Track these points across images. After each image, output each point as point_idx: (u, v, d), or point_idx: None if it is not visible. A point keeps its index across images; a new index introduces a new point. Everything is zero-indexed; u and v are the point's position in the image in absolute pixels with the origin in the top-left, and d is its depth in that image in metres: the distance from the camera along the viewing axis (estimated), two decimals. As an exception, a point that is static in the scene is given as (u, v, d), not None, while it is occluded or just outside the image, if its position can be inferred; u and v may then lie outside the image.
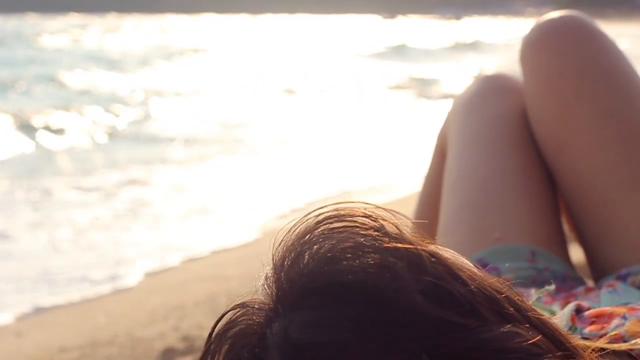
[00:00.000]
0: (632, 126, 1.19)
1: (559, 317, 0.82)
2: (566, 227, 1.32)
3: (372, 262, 0.53)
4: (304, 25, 47.09)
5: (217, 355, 0.57)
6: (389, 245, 0.54)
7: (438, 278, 0.53)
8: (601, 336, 0.76)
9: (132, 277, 3.42)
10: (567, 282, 1.15)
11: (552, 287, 0.90)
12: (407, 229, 0.57)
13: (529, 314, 0.56)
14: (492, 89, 1.38)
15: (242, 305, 0.58)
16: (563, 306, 0.96)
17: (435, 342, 0.51)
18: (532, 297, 0.88)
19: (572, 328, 0.79)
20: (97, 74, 15.06)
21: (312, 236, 0.56)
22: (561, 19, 1.28)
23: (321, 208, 0.59)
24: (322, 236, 0.56)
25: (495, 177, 1.27)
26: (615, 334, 0.74)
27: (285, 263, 0.56)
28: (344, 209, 0.58)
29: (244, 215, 4.57)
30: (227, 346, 0.57)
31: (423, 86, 13.23)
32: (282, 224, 0.60)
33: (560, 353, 0.54)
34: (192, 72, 15.98)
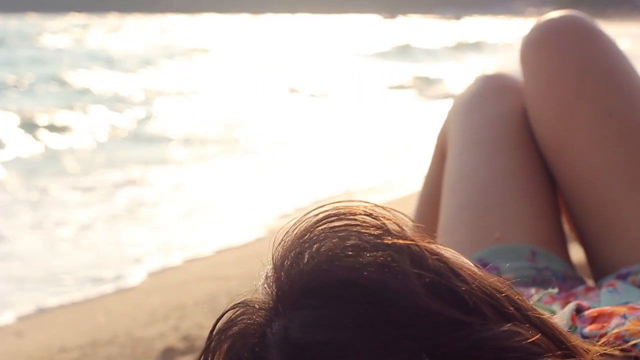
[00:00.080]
0: (632, 126, 1.19)
1: (559, 316, 0.82)
2: (566, 227, 1.32)
3: (373, 260, 0.53)
4: (305, 25, 47.09)
5: (217, 354, 0.57)
6: (390, 242, 0.54)
7: (440, 275, 0.53)
8: (601, 335, 0.76)
9: (132, 277, 3.42)
10: (567, 282, 1.15)
11: (556, 290, 0.90)
12: (408, 227, 0.57)
13: (529, 313, 0.56)
14: (492, 88, 1.38)
15: (243, 304, 0.58)
16: (563, 306, 0.96)
17: (435, 341, 0.51)
18: (533, 298, 0.88)
19: (572, 327, 0.79)
20: (99, 73, 15.07)
21: (312, 235, 0.56)
22: (561, 19, 1.28)
23: (321, 207, 0.59)
24: (322, 235, 0.56)
25: (495, 177, 1.27)
26: (615, 334, 0.74)
27: (286, 262, 0.56)
28: (344, 208, 0.58)
29: (245, 215, 4.57)
30: (227, 345, 0.57)
31: (426, 86, 13.23)
32: (283, 224, 0.60)
33: (560, 352, 0.54)
34: (194, 72, 15.98)
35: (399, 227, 0.57)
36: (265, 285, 0.57)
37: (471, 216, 1.24)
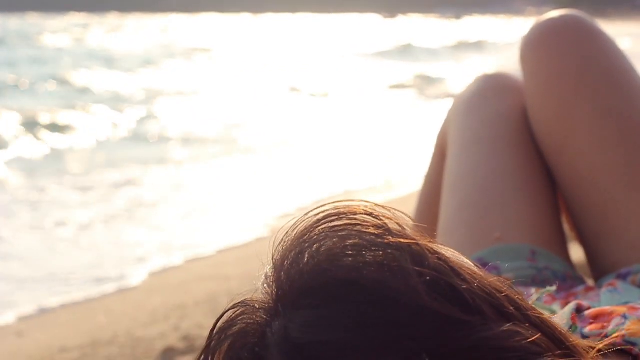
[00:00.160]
0: (632, 125, 1.19)
1: (559, 316, 0.82)
2: (566, 227, 1.32)
3: (373, 259, 0.53)
4: (305, 25, 47.10)
5: (217, 354, 0.57)
6: (391, 241, 0.54)
7: (441, 274, 0.53)
8: (601, 335, 0.76)
9: (132, 277, 3.42)
10: (568, 282, 1.15)
11: (554, 287, 0.90)
12: (409, 227, 0.57)
13: (529, 312, 0.56)
14: (492, 88, 1.38)
15: (243, 304, 0.58)
16: (563, 305, 0.96)
17: (435, 341, 0.51)
18: (533, 298, 0.88)
19: (573, 327, 0.79)
20: (99, 73, 15.07)
21: (312, 235, 0.56)
22: (561, 19, 1.28)
23: (321, 207, 0.59)
24: (322, 235, 0.56)
25: (495, 176, 1.27)
26: (615, 334, 0.74)
27: (286, 262, 0.56)
28: (344, 207, 0.58)
29: (245, 215, 4.57)
30: (227, 345, 0.57)
31: (426, 85, 13.21)
32: (283, 224, 0.60)
33: (559, 352, 0.54)
34: (195, 72, 15.98)
35: (400, 226, 0.57)
36: (265, 285, 0.57)
37: (471, 216, 1.24)
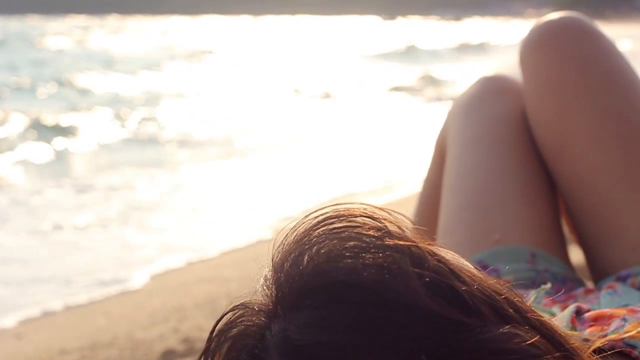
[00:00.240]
0: (631, 127, 1.19)
1: (559, 318, 0.82)
2: (566, 229, 1.32)
3: (373, 261, 0.53)
4: (305, 27, 47.13)
5: (216, 356, 0.57)
6: (391, 243, 0.54)
7: (441, 275, 0.53)
8: (601, 338, 0.76)
9: (132, 280, 3.42)
10: (567, 284, 1.15)
11: (548, 286, 0.90)
12: (409, 229, 0.57)
13: (529, 315, 0.56)
14: (491, 90, 1.38)
15: (242, 306, 0.58)
16: (563, 308, 0.96)
17: (435, 342, 0.51)
18: (530, 298, 0.88)
19: (572, 330, 0.79)
20: (101, 75, 15.08)
21: (312, 237, 0.56)
22: (560, 20, 1.28)
23: (321, 209, 0.59)
24: (322, 237, 0.56)
25: (495, 178, 1.27)
26: (615, 336, 0.74)
27: (285, 264, 0.56)
28: (344, 210, 0.58)
29: (246, 217, 4.57)
30: (226, 347, 0.57)
31: (430, 87, 13.21)
32: (283, 226, 0.60)
33: (559, 354, 0.54)
34: (198, 74, 15.98)
35: (400, 228, 0.57)
36: (265, 287, 0.57)
37: (471, 217, 1.24)
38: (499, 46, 24.72)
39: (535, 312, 0.57)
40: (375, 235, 0.55)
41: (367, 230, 0.55)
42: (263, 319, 0.56)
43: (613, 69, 1.23)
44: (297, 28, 44.66)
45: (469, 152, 1.32)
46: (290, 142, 7.77)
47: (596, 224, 1.20)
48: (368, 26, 47.68)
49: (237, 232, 4.20)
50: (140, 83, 14.12)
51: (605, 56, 1.24)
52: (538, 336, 0.53)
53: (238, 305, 0.58)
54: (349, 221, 0.57)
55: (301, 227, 0.58)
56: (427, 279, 0.53)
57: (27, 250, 3.98)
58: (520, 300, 0.57)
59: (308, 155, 6.87)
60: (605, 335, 0.75)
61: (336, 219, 0.57)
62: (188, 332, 2.40)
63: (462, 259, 0.58)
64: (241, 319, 0.57)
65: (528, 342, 0.52)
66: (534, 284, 1.12)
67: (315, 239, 0.56)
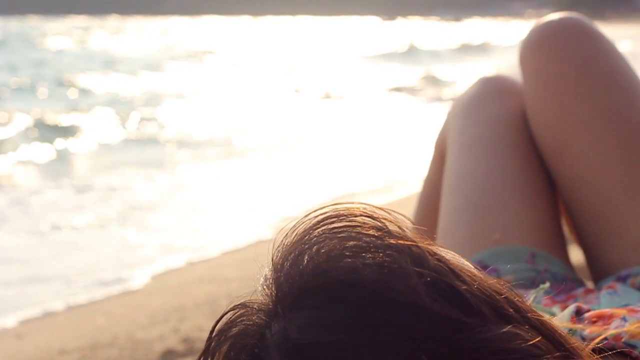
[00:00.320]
0: (631, 127, 1.19)
1: (559, 318, 0.82)
2: (566, 229, 1.32)
3: (373, 260, 0.53)
4: (306, 27, 47.14)
5: (216, 356, 0.57)
6: (391, 242, 0.54)
7: (441, 275, 0.53)
8: (601, 338, 0.76)
9: (132, 280, 3.42)
10: (567, 284, 1.15)
11: (547, 285, 0.90)
12: (409, 229, 0.57)
13: (529, 315, 0.56)
14: (491, 90, 1.38)
15: (242, 305, 0.58)
16: (563, 308, 0.96)
17: (435, 342, 0.51)
18: (530, 298, 0.88)
19: (572, 330, 0.79)
20: (103, 76, 15.08)
21: (312, 236, 0.56)
22: (560, 21, 1.28)
23: (321, 208, 0.59)
24: (322, 236, 0.56)
25: (494, 178, 1.27)
26: (615, 336, 0.74)
27: (285, 264, 0.56)
28: (344, 209, 0.58)
29: (246, 218, 4.57)
30: (226, 346, 0.57)
31: (433, 88, 13.20)
32: (283, 226, 0.60)
33: (559, 354, 0.54)
34: (199, 75, 15.98)
35: (400, 228, 0.57)
36: (265, 287, 0.57)
37: (471, 217, 1.24)
38: (499, 46, 24.72)
39: (535, 312, 0.57)
40: (376, 234, 0.55)
41: (367, 230, 0.55)
42: (263, 318, 0.56)
43: (613, 69, 1.23)
44: (297, 28, 44.67)
45: (468, 152, 1.32)
46: (291, 142, 7.77)
47: (596, 224, 1.20)
48: (368, 27, 47.71)
49: (238, 232, 4.20)
50: (140, 83, 14.12)
51: (605, 57, 1.24)
52: (539, 336, 0.53)
53: (238, 304, 0.58)
54: (349, 221, 0.57)
55: (301, 226, 0.58)
56: (428, 279, 0.53)
57: (28, 250, 3.98)
58: (520, 300, 0.57)
59: (308, 155, 6.87)
60: (605, 336, 0.75)
61: (336, 219, 0.57)
62: (188, 332, 2.40)
63: (462, 259, 0.58)
64: (241, 319, 0.57)
65: (528, 342, 0.52)
66: (533, 284, 1.12)
67: (315, 238, 0.56)
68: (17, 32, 33.37)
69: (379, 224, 0.56)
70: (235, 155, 7.07)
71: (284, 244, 0.58)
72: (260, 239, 3.97)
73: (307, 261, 0.55)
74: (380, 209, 0.58)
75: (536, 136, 1.30)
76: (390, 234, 0.55)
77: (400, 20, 62.78)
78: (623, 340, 0.74)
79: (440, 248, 0.57)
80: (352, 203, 0.59)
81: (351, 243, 0.55)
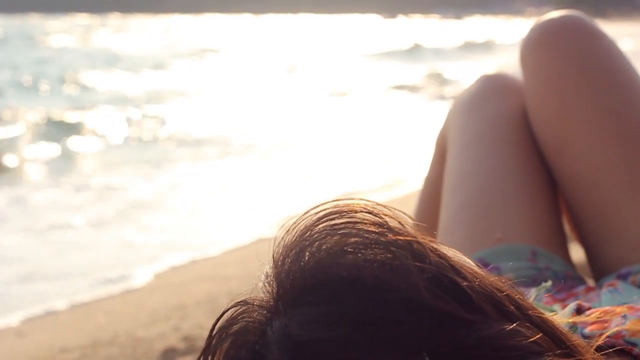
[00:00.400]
0: (632, 126, 1.19)
1: (560, 316, 0.82)
2: (567, 227, 1.32)
3: (374, 257, 0.53)
4: (307, 25, 47.12)
5: (217, 353, 0.57)
6: (392, 239, 0.54)
7: (443, 271, 0.53)
8: (601, 336, 0.76)
9: (133, 278, 3.42)
10: (568, 282, 1.15)
11: (549, 283, 0.90)
12: (409, 225, 0.57)
13: (530, 312, 0.56)
14: (492, 89, 1.38)
15: (243, 302, 0.58)
16: (564, 306, 0.96)
17: (436, 340, 0.51)
18: (531, 297, 0.88)
19: (573, 327, 0.79)
20: (105, 73, 15.08)
21: (313, 233, 0.56)
22: (561, 19, 1.28)
23: (321, 205, 0.59)
24: (323, 233, 0.56)
25: (495, 176, 1.27)
26: (615, 334, 0.74)
27: (286, 260, 0.56)
28: (344, 206, 0.58)
29: (247, 216, 4.57)
30: (227, 343, 0.57)
31: (438, 86, 13.17)
32: (284, 224, 0.60)
33: (560, 351, 0.54)
34: (204, 73, 15.97)
35: (400, 224, 0.57)
36: (266, 284, 0.57)
37: (472, 216, 1.24)
38: (503, 45, 24.69)
39: (536, 310, 0.57)
40: (376, 231, 0.55)
41: (368, 226, 0.55)
42: (264, 315, 0.56)
43: (614, 67, 1.23)
44: (299, 26, 44.65)
45: (469, 150, 1.32)
46: (294, 140, 7.76)
47: (597, 222, 1.20)
48: (369, 25, 47.66)
49: (239, 230, 4.20)
50: (143, 81, 14.12)
51: (606, 55, 1.24)
52: (540, 333, 0.53)
53: (239, 301, 0.58)
54: (350, 217, 0.57)
55: (302, 223, 0.58)
56: (429, 275, 0.53)
57: (29, 249, 3.98)
58: (521, 297, 0.57)
59: (311, 153, 6.86)
60: (606, 334, 0.75)
61: (337, 215, 0.57)
62: (189, 330, 2.40)
63: (463, 256, 0.58)
64: (242, 316, 0.57)
65: (530, 339, 0.52)
66: (535, 282, 1.12)
67: (316, 235, 0.56)
68: (18, 30, 33.36)
69: (379, 220, 0.56)
70: (237, 154, 7.07)
71: (285, 241, 0.58)
72: (261, 237, 3.97)
73: (308, 258, 0.55)
74: (380, 205, 0.58)
75: (537, 134, 1.30)
76: (391, 230, 0.55)
77: (401, 18, 62.76)
78: (624, 338, 0.74)
79: (441, 245, 0.57)
80: (353, 199, 0.59)
81: (352, 239, 0.55)
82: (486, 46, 24.46)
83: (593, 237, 1.22)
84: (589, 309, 0.84)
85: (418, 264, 0.53)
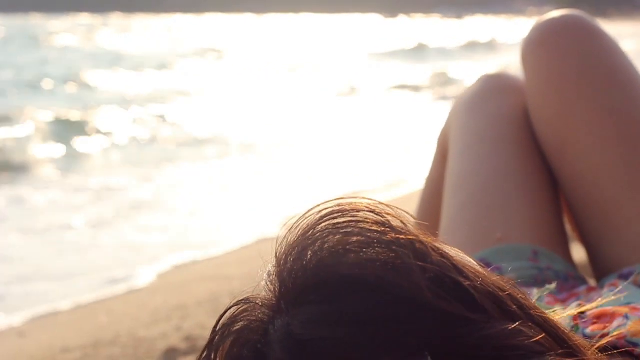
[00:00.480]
0: (633, 124, 1.19)
1: (561, 316, 0.82)
2: (568, 226, 1.32)
3: (376, 256, 0.53)
4: (309, 25, 47.11)
5: (219, 351, 0.57)
6: (394, 238, 0.54)
7: (445, 271, 0.53)
8: (603, 336, 0.76)
9: (135, 278, 3.42)
10: (569, 282, 1.15)
11: (553, 285, 0.90)
12: (411, 224, 0.57)
13: (532, 312, 0.56)
14: (493, 88, 1.38)
15: (245, 301, 0.58)
16: (565, 306, 0.96)
17: (437, 339, 0.51)
18: (534, 297, 0.88)
19: (574, 328, 0.79)
20: (109, 73, 15.08)
21: (315, 232, 0.56)
22: (562, 19, 1.28)
23: (324, 204, 0.59)
24: (325, 231, 0.56)
25: (497, 176, 1.27)
26: (617, 334, 0.74)
27: (289, 259, 0.56)
28: (347, 205, 0.58)
29: (248, 216, 4.57)
30: (229, 342, 0.57)
31: (443, 85, 13.16)
32: (286, 223, 0.60)
33: (562, 351, 0.54)
34: (206, 72, 15.96)
35: (403, 223, 0.57)
36: (268, 282, 0.57)
37: (473, 216, 1.24)
38: (506, 44, 24.67)
39: (538, 309, 0.57)
40: (379, 230, 0.55)
41: (370, 225, 0.55)
42: (266, 314, 0.56)
43: (615, 67, 1.23)
44: (301, 26, 44.63)
45: (471, 150, 1.32)
46: (296, 139, 7.76)
47: (598, 221, 1.20)
48: (370, 24, 47.64)
49: (241, 230, 4.20)
50: (146, 81, 14.12)
51: (607, 54, 1.24)
52: (542, 333, 0.53)
53: (241, 300, 0.58)
54: (352, 216, 0.57)
55: (304, 222, 0.58)
56: (431, 274, 0.53)
57: (30, 249, 3.98)
58: (523, 297, 0.57)
59: (314, 153, 6.86)
60: (607, 334, 0.75)
61: (339, 214, 0.57)
62: (190, 330, 2.40)
63: (465, 255, 0.58)
64: (244, 314, 0.57)
65: (532, 339, 0.52)
66: (536, 281, 1.12)
67: (318, 234, 0.56)
68: (20, 30, 33.37)
69: (382, 219, 0.56)
70: (239, 153, 7.07)
71: (287, 240, 0.58)
72: (262, 237, 3.97)
73: (311, 257, 0.55)
74: (383, 204, 0.58)
75: (538, 134, 1.30)
76: (393, 229, 0.55)
77: (402, 18, 62.74)
78: (625, 338, 0.73)
79: (443, 244, 0.57)
80: (355, 198, 0.59)
81: (354, 238, 0.54)
82: (490, 46, 24.46)
83: (594, 237, 1.22)
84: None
85: (420, 263, 0.53)
